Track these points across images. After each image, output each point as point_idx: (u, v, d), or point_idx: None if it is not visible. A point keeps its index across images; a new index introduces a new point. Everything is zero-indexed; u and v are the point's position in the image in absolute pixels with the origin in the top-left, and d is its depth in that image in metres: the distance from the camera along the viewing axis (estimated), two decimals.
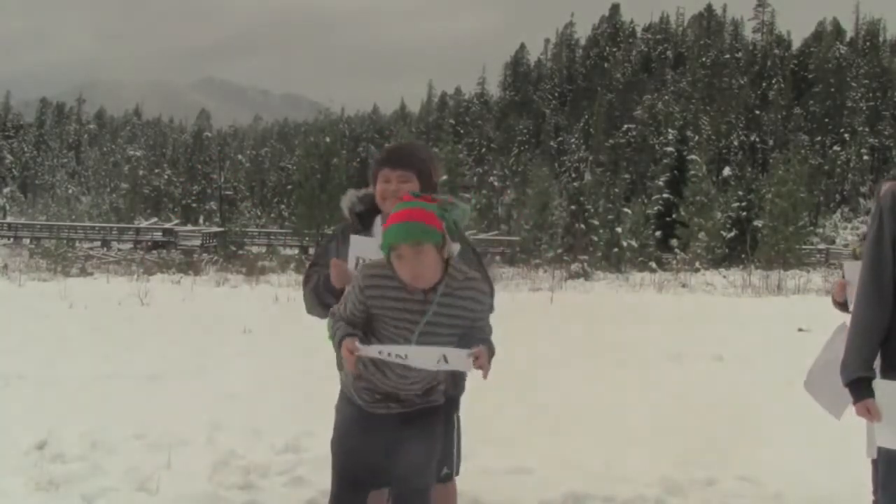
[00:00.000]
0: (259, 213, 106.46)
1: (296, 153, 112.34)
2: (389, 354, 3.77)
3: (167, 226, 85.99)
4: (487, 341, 3.92)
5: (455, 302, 3.85)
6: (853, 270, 5.03)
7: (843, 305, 5.15)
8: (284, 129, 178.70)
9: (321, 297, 4.40)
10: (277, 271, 35.04)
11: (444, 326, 3.85)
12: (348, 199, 4.66)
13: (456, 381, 4.41)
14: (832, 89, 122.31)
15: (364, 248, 4.39)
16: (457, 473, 4.60)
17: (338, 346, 3.85)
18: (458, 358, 3.79)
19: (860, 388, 3.73)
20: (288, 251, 62.80)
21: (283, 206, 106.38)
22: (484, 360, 3.81)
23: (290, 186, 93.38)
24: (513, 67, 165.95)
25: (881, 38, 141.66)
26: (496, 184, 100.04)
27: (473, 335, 3.91)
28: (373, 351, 3.78)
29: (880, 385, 3.70)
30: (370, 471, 3.98)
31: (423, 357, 3.79)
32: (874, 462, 4.59)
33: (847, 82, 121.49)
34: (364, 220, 4.56)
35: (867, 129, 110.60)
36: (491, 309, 4.20)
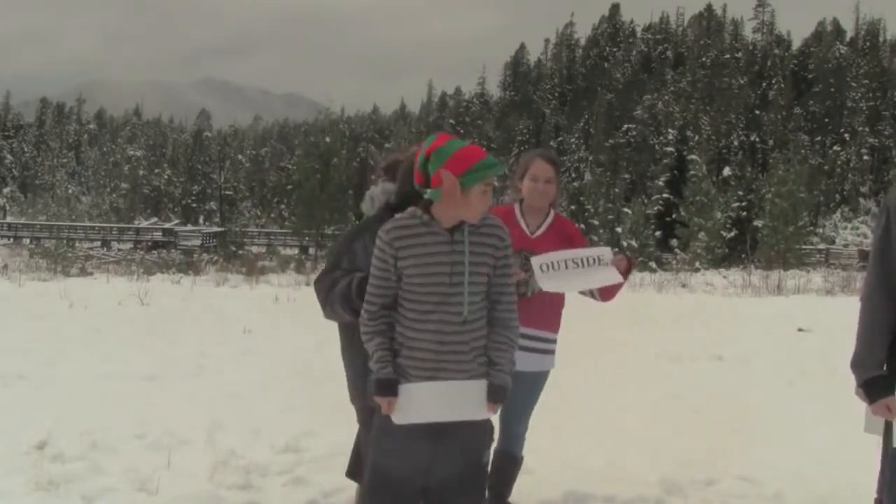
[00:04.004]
0: (259, 213, 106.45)
1: (296, 153, 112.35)
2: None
3: (167, 226, 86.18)
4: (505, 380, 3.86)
5: (482, 240, 3.85)
6: None
7: None
8: (284, 129, 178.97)
9: (352, 304, 4.17)
10: (277, 271, 34.97)
11: (477, 266, 3.83)
12: (381, 193, 4.58)
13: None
14: (832, 89, 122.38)
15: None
16: None
17: (375, 382, 3.79)
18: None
19: (877, 387, 3.75)
20: (288, 251, 62.74)
21: (283, 206, 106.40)
22: None
23: (290, 186, 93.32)
24: (513, 67, 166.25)
25: (881, 38, 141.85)
26: (496, 184, 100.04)
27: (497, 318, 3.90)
28: (411, 415, 3.77)
29: None
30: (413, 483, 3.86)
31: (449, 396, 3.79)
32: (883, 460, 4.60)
33: (847, 82, 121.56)
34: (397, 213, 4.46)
35: (867, 129, 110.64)
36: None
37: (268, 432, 7.39)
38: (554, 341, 5.53)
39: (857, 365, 3.83)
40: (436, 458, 3.82)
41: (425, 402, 3.74)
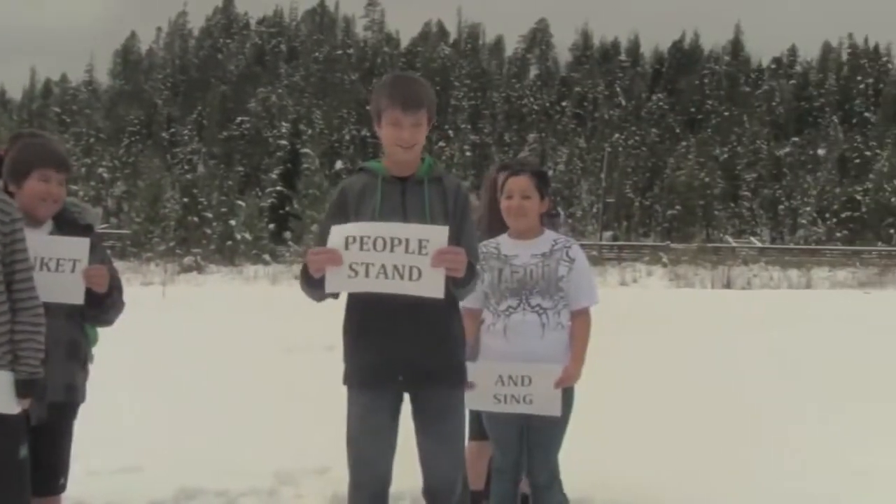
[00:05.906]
0: None
1: None
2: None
3: None
4: None
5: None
6: None
7: None
8: None
9: None
10: None
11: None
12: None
13: (76, 386, 4.23)
14: (438, 87, 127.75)
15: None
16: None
17: None
18: None
19: None
20: None
21: None
22: None
23: None
24: (123, 55, 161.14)
25: (481, 42, 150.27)
26: (105, 175, 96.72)
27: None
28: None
29: None
30: None
31: None
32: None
33: (451, 81, 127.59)
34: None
35: (469, 127, 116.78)
36: None
37: None
38: None
39: None
40: None
41: None
